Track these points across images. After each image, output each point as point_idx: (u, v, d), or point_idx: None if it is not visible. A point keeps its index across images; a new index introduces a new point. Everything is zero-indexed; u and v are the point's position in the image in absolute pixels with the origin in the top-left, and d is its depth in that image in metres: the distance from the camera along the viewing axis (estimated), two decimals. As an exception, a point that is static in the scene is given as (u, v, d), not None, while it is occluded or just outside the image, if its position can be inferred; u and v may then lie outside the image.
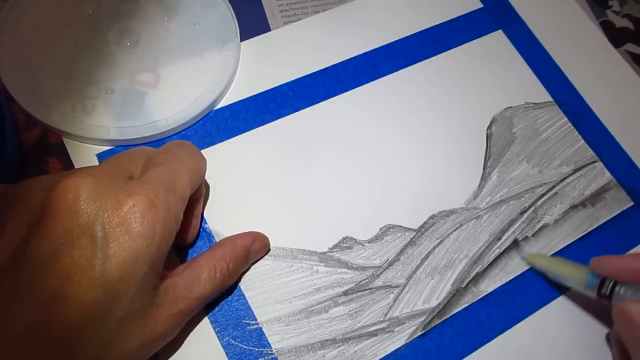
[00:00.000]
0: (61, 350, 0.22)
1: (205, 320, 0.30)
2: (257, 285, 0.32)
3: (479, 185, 0.37)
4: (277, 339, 0.31)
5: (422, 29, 0.41)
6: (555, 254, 0.35)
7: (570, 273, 0.32)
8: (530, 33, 0.42)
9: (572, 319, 0.33)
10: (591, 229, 0.36)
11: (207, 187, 0.33)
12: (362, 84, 0.39)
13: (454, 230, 0.35)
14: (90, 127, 0.34)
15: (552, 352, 0.32)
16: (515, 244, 0.35)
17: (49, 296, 0.22)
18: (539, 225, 0.36)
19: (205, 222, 0.33)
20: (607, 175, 0.38)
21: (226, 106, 0.37)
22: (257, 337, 0.31)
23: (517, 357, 0.32)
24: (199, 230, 0.32)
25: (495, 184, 0.37)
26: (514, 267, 0.34)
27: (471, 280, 0.34)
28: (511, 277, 0.34)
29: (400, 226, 0.35)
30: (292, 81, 0.38)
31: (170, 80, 0.36)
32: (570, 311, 0.33)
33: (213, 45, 0.37)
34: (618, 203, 0.37)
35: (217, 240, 0.32)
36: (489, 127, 0.39)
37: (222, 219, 0.33)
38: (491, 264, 0.34)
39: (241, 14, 0.38)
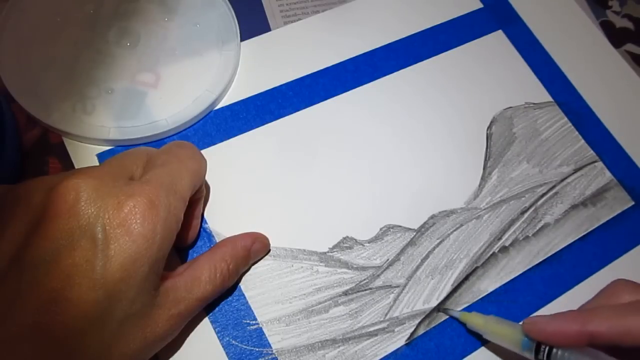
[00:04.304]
0: (62, 352, 0.22)
1: (206, 321, 0.31)
2: (257, 285, 0.32)
3: (479, 185, 0.37)
4: (277, 339, 0.31)
5: (422, 29, 0.41)
6: (556, 254, 0.35)
7: (505, 334, 0.30)
8: (530, 33, 0.42)
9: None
10: (592, 228, 0.36)
11: (208, 187, 0.33)
12: (362, 84, 0.39)
13: (454, 230, 0.35)
14: (91, 127, 0.34)
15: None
16: (443, 309, 0.33)
17: (49, 297, 0.22)
18: (540, 225, 0.36)
19: (206, 223, 0.33)
20: (608, 175, 0.38)
21: (226, 106, 0.37)
22: (257, 337, 0.31)
23: (517, 357, 0.32)
24: (199, 231, 0.32)
25: (495, 184, 0.37)
26: (514, 267, 0.34)
27: (471, 280, 0.34)
28: (511, 277, 0.34)
29: (400, 226, 0.35)
30: (292, 81, 0.38)
31: (170, 80, 0.36)
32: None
33: (213, 45, 0.37)
34: (619, 203, 0.37)
35: (217, 241, 0.32)
36: (489, 127, 0.39)
37: (223, 219, 0.33)
38: (491, 264, 0.34)
39: (241, 14, 0.38)
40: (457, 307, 0.33)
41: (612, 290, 0.30)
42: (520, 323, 0.29)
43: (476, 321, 0.31)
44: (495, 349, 0.32)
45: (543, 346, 0.28)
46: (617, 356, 0.27)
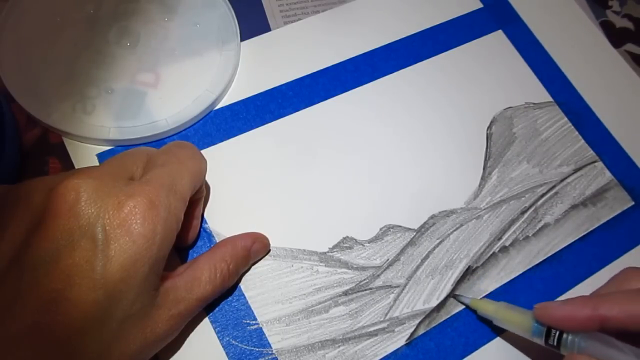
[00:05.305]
0: (62, 352, 0.22)
1: (206, 321, 0.31)
2: (257, 285, 0.32)
3: (479, 185, 0.37)
4: (277, 339, 0.31)
5: (422, 29, 0.41)
6: (556, 254, 0.35)
7: (515, 320, 0.30)
8: (530, 33, 0.42)
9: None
10: (592, 228, 0.36)
11: (208, 187, 0.33)
12: (362, 84, 0.39)
13: (454, 230, 0.35)
14: (90, 127, 0.34)
15: (553, 351, 0.32)
16: (454, 295, 0.33)
17: (49, 297, 0.22)
18: (540, 225, 0.36)
19: (206, 223, 0.33)
20: (608, 175, 0.38)
21: (226, 106, 0.37)
22: (257, 337, 0.31)
23: (517, 357, 0.32)
24: (199, 231, 0.32)
25: (495, 184, 0.37)
26: (514, 267, 0.34)
27: (471, 280, 0.34)
28: (511, 277, 0.34)
29: (400, 226, 0.35)
30: (292, 81, 0.38)
31: (170, 80, 0.36)
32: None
33: (213, 45, 0.37)
34: (619, 203, 0.37)
35: (217, 241, 0.32)
36: (489, 127, 0.39)
37: (223, 219, 0.33)
38: (491, 264, 0.34)
39: (241, 14, 0.38)
40: (457, 308, 0.33)
41: (622, 277, 0.30)
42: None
43: (487, 307, 0.31)
44: (495, 349, 0.32)
45: (553, 331, 0.28)
46: (627, 343, 0.27)
